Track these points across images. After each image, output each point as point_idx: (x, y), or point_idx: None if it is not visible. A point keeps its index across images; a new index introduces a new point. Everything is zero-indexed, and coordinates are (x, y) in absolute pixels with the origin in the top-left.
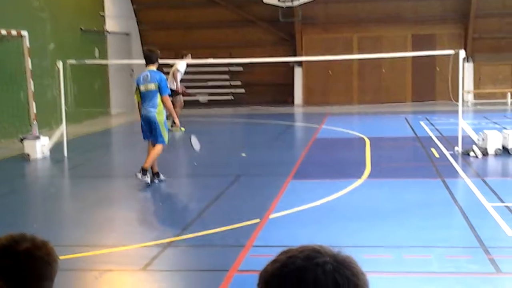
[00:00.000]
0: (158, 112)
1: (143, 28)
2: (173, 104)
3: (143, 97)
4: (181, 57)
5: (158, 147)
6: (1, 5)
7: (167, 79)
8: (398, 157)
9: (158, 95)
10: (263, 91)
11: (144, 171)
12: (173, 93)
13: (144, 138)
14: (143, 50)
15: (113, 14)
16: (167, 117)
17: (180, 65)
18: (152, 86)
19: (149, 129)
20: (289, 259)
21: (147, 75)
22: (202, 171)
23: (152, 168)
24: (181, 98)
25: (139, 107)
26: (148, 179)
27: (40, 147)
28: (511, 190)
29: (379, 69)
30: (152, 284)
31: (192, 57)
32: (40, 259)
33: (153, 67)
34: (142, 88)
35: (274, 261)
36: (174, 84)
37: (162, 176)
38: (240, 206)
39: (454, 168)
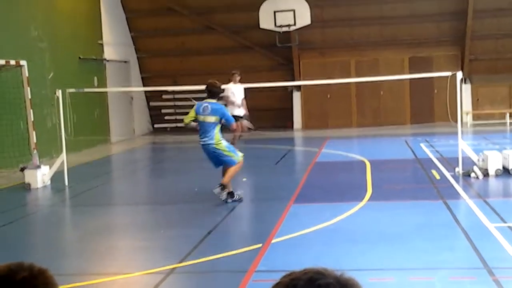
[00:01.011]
0: (216, 143)
1: (141, 55)
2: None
3: (201, 127)
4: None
5: (235, 167)
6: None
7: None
8: (399, 179)
9: (217, 127)
10: (262, 116)
11: (222, 187)
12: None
13: (215, 167)
14: (206, 84)
15: (111, 42)
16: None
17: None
18: (212, 119)
19: (214, 158)
20: (292, 281)
21: (207, 107)
22: (203, 197)
23: (227, 187)
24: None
25: (186, 125)
26: (224, 195)
27: (40, 176)
28: None
29: (378, 92)
30: None
31: (190, 84)
32: None
33: (213, 100)
34: (201, 118)
35: (277, 284)
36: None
37: (236, 196)
38: (242, 231)
39: (455, 189)
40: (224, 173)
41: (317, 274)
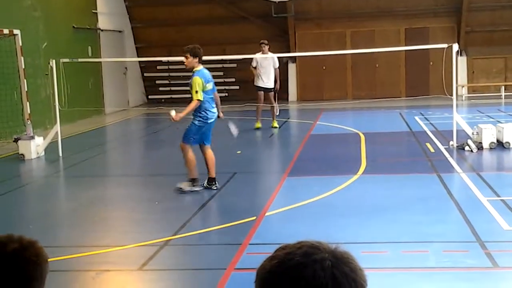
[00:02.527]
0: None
1: (136, 25)
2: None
3: (211, 96)
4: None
5: (210, 150)
6: None
7: None
8: (393, 152)
9: None
10: None
11: (212, 180)
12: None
13: (197, 143)
14: (191, 48)
15: (106, 12)
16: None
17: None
18: (211, 85)
19: (209, 135)
20: (287, 255)
21: (208, 72)
22: (198, 170)
23: (194, 173)
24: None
25: (193, 108)
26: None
27: (34, 147)
28: (506, 184)
29: (373, 64)
30: (149, 284)
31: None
32: (29, 260)
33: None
34: (210, 86)
35: (271, 258)
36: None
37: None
38: (236, 204)
39: (449, 163)
40: (210, 163)
41: (311, 248)
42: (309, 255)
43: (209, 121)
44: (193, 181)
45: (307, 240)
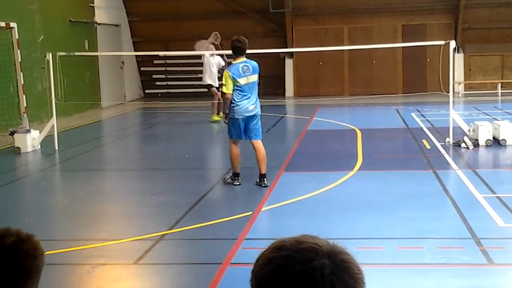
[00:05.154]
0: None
1: (133, 19)
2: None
3: (245, 91)
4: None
5: (262, 145)
6: None
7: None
8: (389, 149)
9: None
10: None
11: (264, 176)
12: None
13: (239, 137)
14: (233, 41)
15: (103, 5)
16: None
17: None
18: (255, 78)
19: (254, 130)
20: (285, 260)
21: (247, 66)
22: (194, 164)
23: (235, 167)
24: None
25: (227, 103)
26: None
27: (30, 140)
28: (502, 181)
29: (370, 61)
30: (145, 278)
31: (182, 49)
32: (26, 253)
33: (244, 58)
34: (242, 81)
35: (268, 261)
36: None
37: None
38: (232, 199)
39: (446, 160)
40: (258, 158)
41: (310, 253)
42: (308, 261)
43: (236, 116)
44: (233, 175)
45: (305, 235)
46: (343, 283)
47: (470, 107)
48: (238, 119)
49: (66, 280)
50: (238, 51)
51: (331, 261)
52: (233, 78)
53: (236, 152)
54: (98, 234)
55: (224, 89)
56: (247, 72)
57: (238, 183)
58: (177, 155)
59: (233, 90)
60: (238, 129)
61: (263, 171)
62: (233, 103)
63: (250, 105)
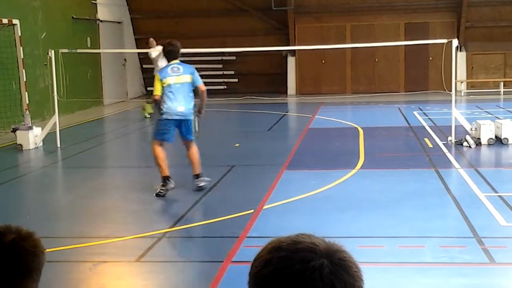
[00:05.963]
0: (192, 107)
1: (135, 16)
2: None
3: (175, 92)
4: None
5: (195, 147)
6: None
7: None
8: (391, 147)
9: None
10: (256, 80)
11: (198, 176)
12: None
13: (169, 140)
14: (164, 45)
15: (105, 2)
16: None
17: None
18: (187, 78)
19: (180, 128)
20: (283, 261)
21: (177, 67)
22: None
23: (163, 170)
24: None
25: (158, 103)
26: (204, 182)
27: (32, 137)
28: (504, 179)
29: (372, 59)
30: (147, 276)
31: (186, 47)
32: (27, 250)
33: (178, 61)
34: (171, 80)
35: (266, 262)
36: None
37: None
38: (234, 196)
39: (448, 158)
40: (191, 159)
41: (309, 253)
42: (307, 261)
43: (166, 117)
44: (163, 179)
45: (300, 234)
46: (342, 282)
47: (472, 105)
48: (169, 120)
49: (67, 277)
50: (170, 55)
51: (329, 260)
52: (161, 79)
53: (162, 155)
54: (100, 231)
55: (154, 91)
56: (176, 72)
57: (172, 186)
58: (179, 153)
59: (162, 91)
60: (167, 130)
61: (197, 172)
62: (163, 104)
63: (179, 105)
